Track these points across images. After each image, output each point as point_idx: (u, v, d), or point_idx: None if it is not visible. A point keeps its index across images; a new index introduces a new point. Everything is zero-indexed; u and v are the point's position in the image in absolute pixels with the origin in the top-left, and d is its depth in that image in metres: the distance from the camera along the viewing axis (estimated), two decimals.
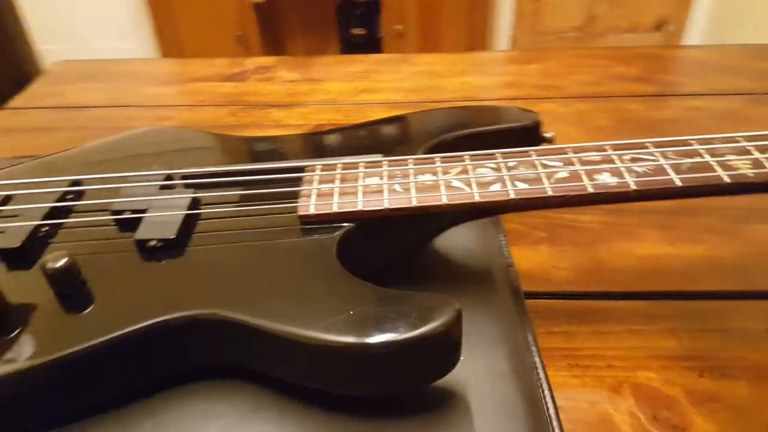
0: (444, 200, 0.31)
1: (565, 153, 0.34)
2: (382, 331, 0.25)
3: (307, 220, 0.31)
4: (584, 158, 0.34)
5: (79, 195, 0.35)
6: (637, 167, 0.32)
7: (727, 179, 0.31)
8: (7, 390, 0.26)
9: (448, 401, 0.28)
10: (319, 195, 0.33)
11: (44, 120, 0.59)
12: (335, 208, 0.31)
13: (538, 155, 0.34)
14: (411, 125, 0.42)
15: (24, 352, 0.26)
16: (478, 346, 0.31)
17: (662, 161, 0.32)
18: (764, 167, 0.31)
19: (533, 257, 0.40)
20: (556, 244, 0.41)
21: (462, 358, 0.30)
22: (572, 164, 0.33)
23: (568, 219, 0.43)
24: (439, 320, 0.25)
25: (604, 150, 0.34)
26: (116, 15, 2.40)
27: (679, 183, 0.31)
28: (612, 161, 0.33)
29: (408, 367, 0.26)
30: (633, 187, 0.31)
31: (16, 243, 0.30)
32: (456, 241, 0.39)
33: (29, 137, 0.56)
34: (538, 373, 0.31)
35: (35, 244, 0.31)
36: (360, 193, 0.32)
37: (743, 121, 0.55)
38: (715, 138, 0.34)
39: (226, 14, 2.27)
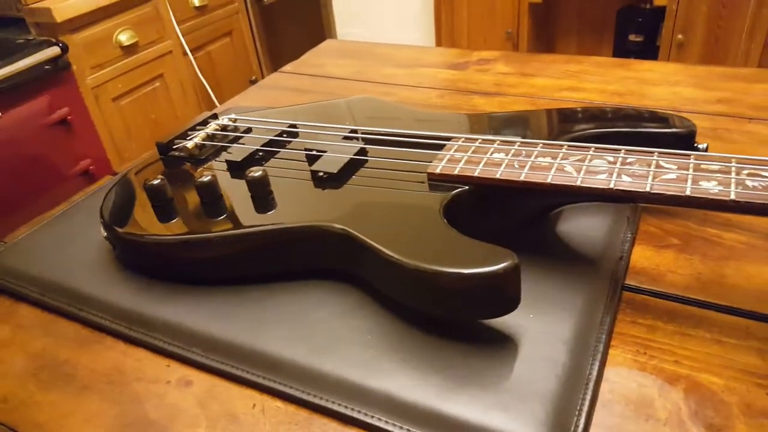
0: (548, 179, 0.36)
1: (687, 158, 0.36)
2: (446, 264, 0.32)
3: (432, 177, 0.39)
4: (702, 166, 0.35)
5: (292, 135, 0.49)
6: (750, 181, 0.33)
7: None
8: (208, 245, 0.40)
9: (499, 341, 0.34)
10: (449, 160, 0.40)
11: (302, 83, 0.77)
12: (456, 171, 0.39)
13: (660, 156, 0.36)
14: (569, 117, 0.46)
15: (224, 226, 0.40)
16: (551, 310, 0.36)
17: None
18: None
19: (654, 258, 0.42)
20: (685, 253, 0.42)
21: (531, 316, 0.36)
22: (686, 169, 0.35)
23: (710, 233, 0.43)
24: (493, 267, 0.31)
25: (728, 161, 0.35)
26: (406, 9, 2.70)
27: None
28: (728, 172, 0.34)
29: (464, 297, 0.33)
30: (732, 197, 0.32)
31: (238, 158, 0.45)
32: (583, 226, 0.43)
33: (287, 94, 0.74)
34: (597, 347, 0.34)
35: (251, 162, 0.45)
36: (482, 163, 0.39)
37: None
38: None
39: (502, 11, 2.37)
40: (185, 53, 1.66)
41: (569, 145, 0.39)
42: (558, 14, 2.50)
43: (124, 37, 1.42)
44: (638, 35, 2.31)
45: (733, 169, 0.34)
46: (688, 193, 0.33)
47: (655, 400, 0.32)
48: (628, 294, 0.39)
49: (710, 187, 0.33)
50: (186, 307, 0.39)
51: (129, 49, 1.45)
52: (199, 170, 0.46)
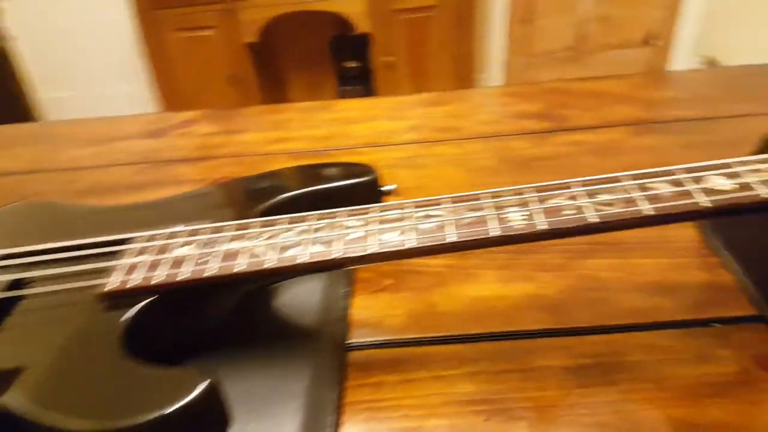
0: (238, 269, 0.34)
1: (367, 213, 0.36)
2: (128, 416, 0.27)
3: (108, 296, 0.34)
4: (384, 217, 0.36)
5: None
6: (424, 224, 0.34)
7: (496, 232, 0.32)
8: None
9: None
10: (128, 269, 0.35)
11: None
12: (133, 284, 0.34)
13: (348, 216, 0.36)
14: (250, 188, 0.45)
15: None
16: (277, 406, 0.33)
17: (449, 217, 0.34)
18: (532, 219, 0.33)
19: (373, 306, 0.42)
20: (399, 291, 0.43)
21: (251, 425, 0.32)
22: (371, 224, 0.35)
23: (417, 264, 0.45)
24: (184, 399, 0.27)
25: (404, 208, 0.36)
26: (110, 60, 2.50)
27: (453, 239, 0.33)
28: (405, 219, 0.35)
29: None
30: (410, 245, 0.33)
31: None
32: (299, 294, 0.42)
33: None
34: (328, 429, 0.33)
35: None
36: (166, 265, 0.35)
37: (615, 153, 0.56)
38: (526, 188, 0.35)
39: (218, 55, 2.35)
40: None
41: (263, 222, 0.37)
42: (277, 51, 2.57)
43: None
44: (353, 61, 2.50)
45: (409, 214, 0.35)
46: (370, 251, 0.33)
47: None
48: (354, 354, 0.38)
49: (393, 239, 0.34)
50: None
51: None
52: None
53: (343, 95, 2.53)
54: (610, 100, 0.67)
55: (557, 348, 0.37)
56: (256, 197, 0.42)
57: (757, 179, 0.32)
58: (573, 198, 0.33)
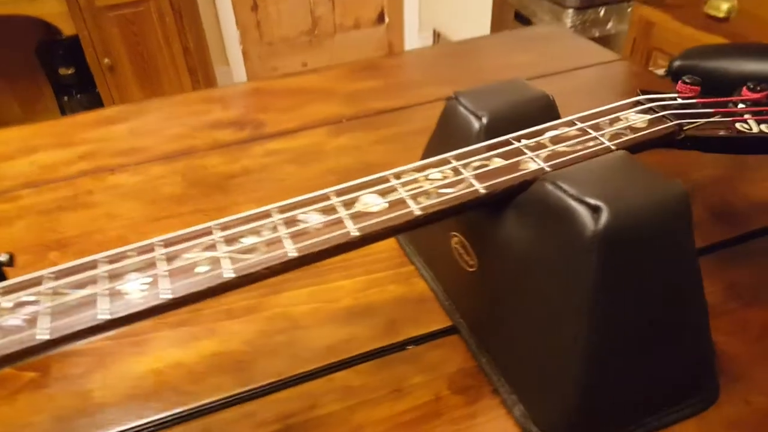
0: None
1: None
2: None
3: None
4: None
5: None
6: (9, 321, 0.25)
7: (105, 315, 0.24)
8: None
9: None
10: None
11: None
12: None
13: None
14: None
15: None
16: None
17: (46, 303, 0.25)
18: (155, 288, 0.25)
19: (8, 415, 0.31)
20: (44, 386, 0.33)
21: None
22: None
23: None
24: None
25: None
26: None
27: (45, 337, 0.24)
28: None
29: None
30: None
31: None
32: None
33: None
34: None
35: None
36: None
37: (315, 158, 0.52)
38: (154, 243, 0.27)
39: None
40: None
41: None
42: None
43: None
44: (68, 67, 2.19)
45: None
46: None
47: None
48: None
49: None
50: None
51: None
52: None
53: (64, 107, 2.21)
54: (310, 98, 0.63)
55: (239, 418, 0.31)
56: None
57: (410, 192, 0.29)
58: (211, 248, 0.27)
